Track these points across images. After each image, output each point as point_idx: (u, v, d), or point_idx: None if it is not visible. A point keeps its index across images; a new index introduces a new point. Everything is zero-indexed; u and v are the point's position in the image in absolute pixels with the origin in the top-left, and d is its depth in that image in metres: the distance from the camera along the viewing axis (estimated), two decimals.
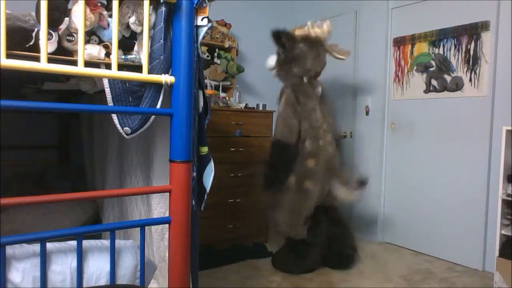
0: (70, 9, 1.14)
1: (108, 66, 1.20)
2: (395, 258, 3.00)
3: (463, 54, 2.89)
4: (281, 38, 2.62)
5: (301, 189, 2.59)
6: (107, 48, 1.21)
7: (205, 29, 1.30)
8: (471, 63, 2.85)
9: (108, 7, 1.23)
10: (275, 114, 3.27)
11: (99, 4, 1.18)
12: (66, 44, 1.15)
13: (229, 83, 3.50)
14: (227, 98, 3.36)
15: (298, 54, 2.62)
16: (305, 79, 2.67)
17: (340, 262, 2.71)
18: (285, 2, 4.13)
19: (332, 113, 2.82)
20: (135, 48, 1.27)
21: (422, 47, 3.15)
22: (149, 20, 1.19)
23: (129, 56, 1.25)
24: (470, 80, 2.85)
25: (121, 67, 1.18)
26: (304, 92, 2.65)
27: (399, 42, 3.31)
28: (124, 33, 1.24)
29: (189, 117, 1.25)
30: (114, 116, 1.24)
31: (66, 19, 1.14)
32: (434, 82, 3.08)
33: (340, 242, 2.74)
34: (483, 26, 2.76)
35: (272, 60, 2.74)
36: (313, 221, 2.64)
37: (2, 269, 1.00)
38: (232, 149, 3.02)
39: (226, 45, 3.49)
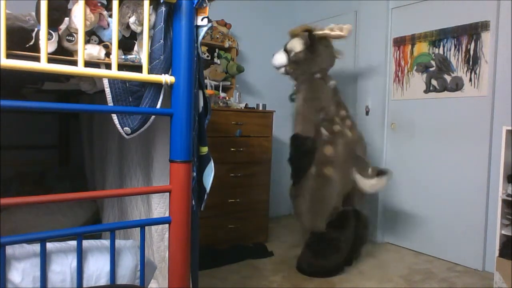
0: (70, 9, 1.14)
1: (108, 66, 1.20)
2: (395, 258, 3.00)
3: (463, 54, 2.89)
4: (311, 38, 2.66)
5: (321, 176, 2.55)
6: (107, 48, 1.21)
7: (205, 29, 1.29)
8: (471, 63, 2.85)
9: (108, 7, 1.23)
10: (275, 114, 3.28)
11: (99, 4, 1.18)
12: (66, 44, 1.15)
13: (229, 83, 3.50)
14: (227, 98, 3.36)
15: (318, 54, 2.68)
16: (318, 75, 2.69)
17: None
18: (285, 2, 4.13)
19: (344, 103, 2.81)
20: (135, 48, 1.27)
21: (422, 47, 3.15)
22: (149, 20, 1.18)
23: (129, 56, 1.25)
24: (470, 80, 2.85)
25: (121, 67, 1.18)
26: (320, 87, 2.69)
27: (399, 42, 3.31)
28: (124, 33, 1.24)
29: (189, 117, 1.24)
30: (114, 116, 1.24)
31: (66, 19, 1.14)
32: (434, 82, 3.08)
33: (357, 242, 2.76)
34: (483, 26, 2.76)
35: (282, 58, 2.72)
36: (338, 220, 2.59)
37: (2, 269, 1.00)
38: (232, 149, 3.02)
39: (226, 45, 3.49)
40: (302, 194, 2.63)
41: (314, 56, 2.67)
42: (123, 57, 1.24)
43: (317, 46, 2.66)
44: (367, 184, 2.57)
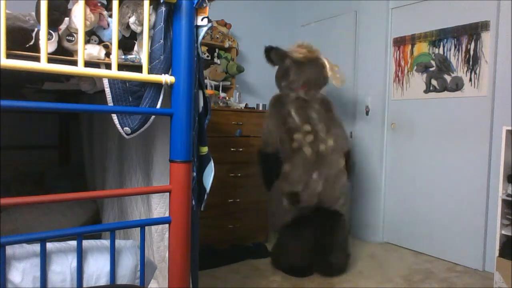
0: (70, 9, 1.14)
1: (108, 66, 1.20)
2: (395, 258, 3.00)
3: (463, 54, 2.89)
4: (270, 54, 2.76)
5: (279, 193, 2.60)
6: (107, 48, 1.21)
7: (205, 29, 1.30)
8: (471, 63, 2.85)
9: (108, 7, 1.24)
10: None
11: (99, 4, 1.18)
12: (66, 44, 1.15)
13: (229, 83, 3.50)
14: (227, 98, 3.36)
15: (284, 69, 2.75)
16: (291, 92, 2.71)
17: (328, 270, 2.63)
18: (285, 2, 4.13)
19: (329, 117, 2.70)
20: (135, 48, 1.27)
21: (422, 47, 3.15)
22: (149, 20, 1.19)
23: (129, 56, 1.25)
24: (470, 80, 2.85)
25: (121, 67, 1.18)
26: (284, 101, 2.69)
27: (399, 42, 3.31)
28: (124, 33, 1.24)
29: (189, 117, 1.25)
30: (114, 116, 1.24)
31: (66, 19, 1.14)
32: (434, 82, 3.08)
33: (331, 249, 2.63)
34: (483, 26, 2.76)
35: None
36: (295, 224, 2.59)
37: (2, 269, 1.00)
38: (232, 149, 3.02)
39: (226, 45, 3.49)
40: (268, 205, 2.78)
41: (282, 72, 2.78)
42: (123, 57, 1.24)
43: (283, 62, 2.75)
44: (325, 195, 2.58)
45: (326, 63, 2.77)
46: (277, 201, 2.63)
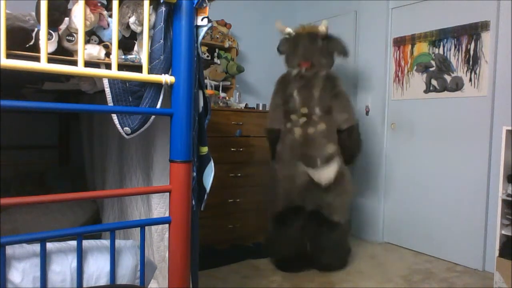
0: (70, 9, 1.14)
1: (108, 66, 1.20)
2: (395, 258, 3.00)
3: (463, 54, 2.89)
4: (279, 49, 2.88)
5: (271, 170, 2.76)
6: (107, 48, 1.21)
7: (205, 29, 1.30)
8: (471, 63, 2.85)
9: (108, 7, 1.24)
10: None
11: (99, 4, 1.18)
12: (66, 44, 1.15)
13: (229, 83, 3.50)
14: (227, 98, 3.36)
15: (286, 47, 2.84)
16: (294, 69, 2.75)
17: (326, 268, 2.65)
18: (285, 2, 4.13)
19: (333, 95, 2.67)
20: (135, 48, 1.27)
21: (422, 47, 3.15)
22: (149, 20, 1.19)
23: (129, 56, 1.25)
24: (470, 80, 2.85)
25: (121, 67, 1.18)
26: (288, 80, 2.75)
27: (399, 42, 3.31)
28: (124, 33, 1.24)
29: (189, 117, 1.25)
30: (114, 116, 1.24)
31: (66, 19, 1.14)
32: (434, 82, 3.08)
33: (329, 246, 2.64)
34: (483, 26, 2.76)
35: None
36: (285, 217, 2.65)
37: (2, 269, 1.00)
38: (232, 149, 3.02)
39: (226, 45, 3.49)
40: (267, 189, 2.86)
41: (286, 53, 2.84)
42: (123, 57, 1.24)
43: (287, 44, 2.81)
44: (316, 174, 2.57)
45: (322, 26, 2.74)
46: (271, 182, 2.73)
